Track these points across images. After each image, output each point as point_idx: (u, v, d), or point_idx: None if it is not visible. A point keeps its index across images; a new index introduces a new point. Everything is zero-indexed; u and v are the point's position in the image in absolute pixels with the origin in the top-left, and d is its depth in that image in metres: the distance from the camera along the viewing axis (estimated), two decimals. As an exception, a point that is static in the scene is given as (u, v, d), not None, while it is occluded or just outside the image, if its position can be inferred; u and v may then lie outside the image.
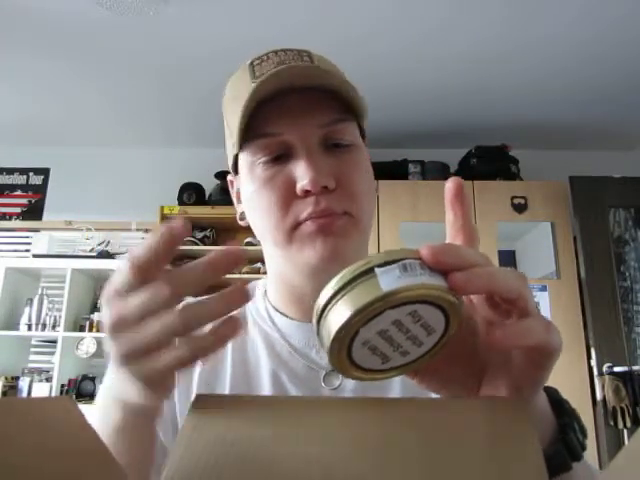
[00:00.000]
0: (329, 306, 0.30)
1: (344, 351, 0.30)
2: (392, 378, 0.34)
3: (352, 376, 0.33)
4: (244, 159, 0.57)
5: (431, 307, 0.30)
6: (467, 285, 0.30)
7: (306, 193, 0.52)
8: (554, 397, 0.40)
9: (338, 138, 0.56)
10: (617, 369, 2.60)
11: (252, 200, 0.57)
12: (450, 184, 0.36)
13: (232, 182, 0.65)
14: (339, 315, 0.29)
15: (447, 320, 0.31)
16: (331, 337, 0.29)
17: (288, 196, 0.53)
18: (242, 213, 0.62)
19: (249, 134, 0.54)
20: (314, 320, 0.31)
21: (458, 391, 0.37)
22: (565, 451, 0.37)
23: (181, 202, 3.21)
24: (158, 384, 0.34)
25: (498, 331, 0.30)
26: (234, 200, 0.65)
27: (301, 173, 0.52)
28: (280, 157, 0.54)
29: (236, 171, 0.61)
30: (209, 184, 3.19)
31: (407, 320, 0.30)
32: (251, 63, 0.56)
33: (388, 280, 0.28)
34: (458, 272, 0.30)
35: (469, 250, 0.32)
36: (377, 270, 0.29)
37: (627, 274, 2.88)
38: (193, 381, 0.60)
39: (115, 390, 0.39)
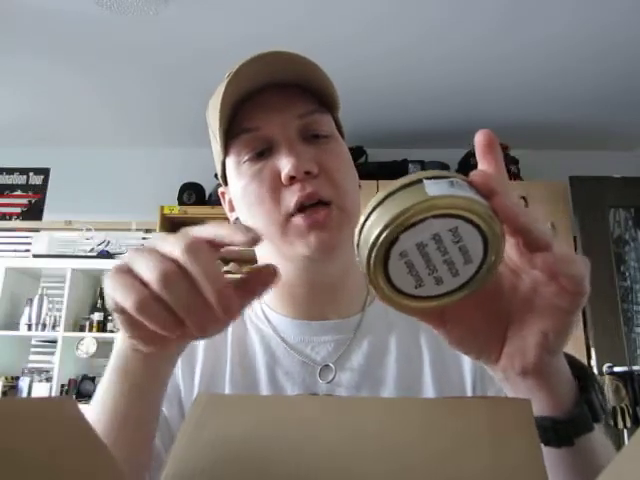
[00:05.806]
0: (372, 215, 0.29)
1: (381, 261, 0.29)
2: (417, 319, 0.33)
3: (385, 296, 0.31)
4: (230, 163, 0.59)
5: (473, 229, 0.29)
6: (509, 210, 0.29)
7: (291, 180, 0.54)
8: (572, 359, 0.40)
9: (316, 129, 0.58)
10: (617, 369, 2.59)
11: (242, 197, 0.58)
12: (481, 136, 0.34)
13: (223, 194, 0.66)
14: (381, 219, 0.28)
15: (485, 252, 0.30)
16: (370, 241, 0.29)
17: (276, 186, 0.55)
18: (236, 219, 0.63)
19: (231, 133, 0.56)
20: (355, 234, 0.30)
21: (482, 344, 0.36)
22: (588, 411, 0.38)
23: (181, 202, 3.20)
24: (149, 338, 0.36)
25: (542, 257, 0.30)
26: (227, 211, 0.66)
27: (284, 161, 0.54)
28: (263, 153, 0.56)
29: (225, 182, 0.62)
30: (209, 184, 3.18)
31: (447, 237, 0.29)
32: (229, 74, 0.59)
33: (436, 189, 0.28)
34: (503, 196, 0.29)
35: None
36: (425, 181, 0.28)
37: (627, 274, 2.88)
38: (195, 374, 0.60)
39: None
